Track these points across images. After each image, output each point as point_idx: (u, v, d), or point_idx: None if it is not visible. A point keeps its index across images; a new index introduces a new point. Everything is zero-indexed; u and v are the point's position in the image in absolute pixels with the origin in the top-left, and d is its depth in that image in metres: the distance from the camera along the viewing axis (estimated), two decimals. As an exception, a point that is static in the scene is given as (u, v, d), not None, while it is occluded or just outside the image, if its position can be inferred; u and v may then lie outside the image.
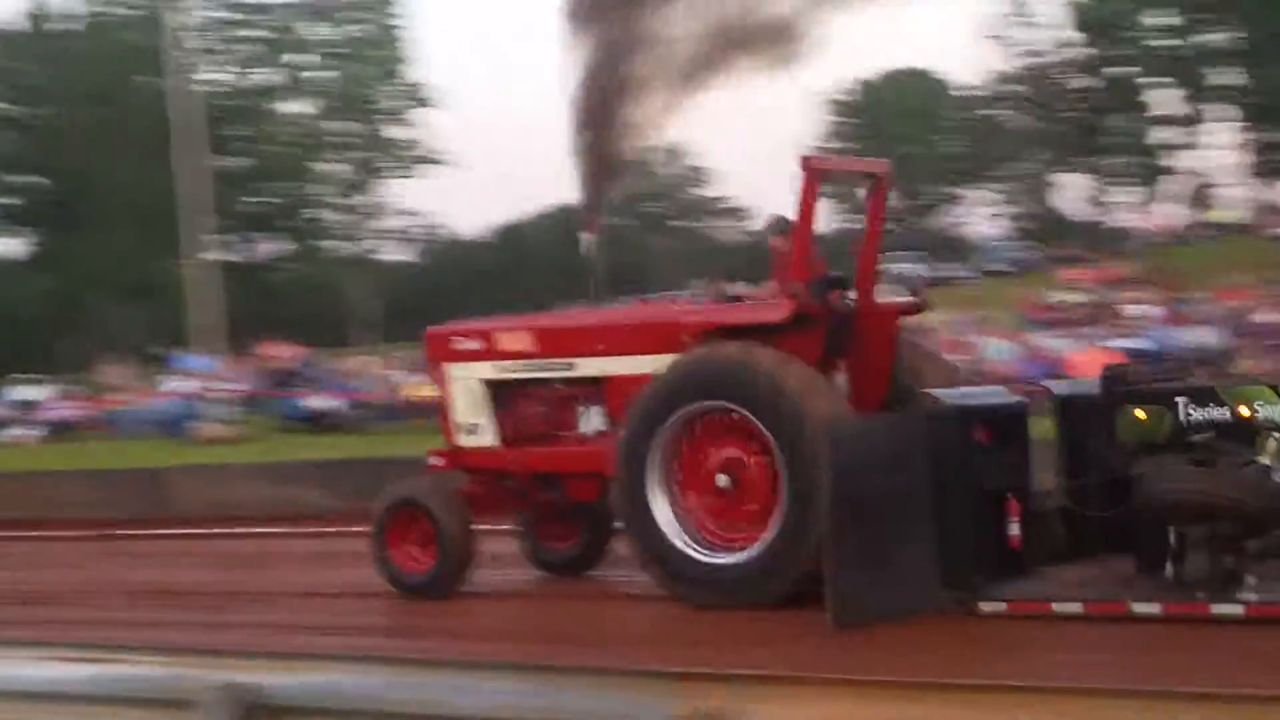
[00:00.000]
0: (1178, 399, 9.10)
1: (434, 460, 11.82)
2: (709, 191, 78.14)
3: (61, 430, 27.51)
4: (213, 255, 36.35)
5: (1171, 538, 8.75)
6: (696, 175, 78.64)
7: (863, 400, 10.34)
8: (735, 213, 75.22)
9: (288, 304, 65.04)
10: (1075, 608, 8.74)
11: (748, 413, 9.88)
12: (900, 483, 9.07)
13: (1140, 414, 9.19)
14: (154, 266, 66.26)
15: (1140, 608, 8.56)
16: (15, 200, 72.93)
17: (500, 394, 11.62)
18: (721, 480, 10.16)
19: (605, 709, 4.66)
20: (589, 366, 11.12)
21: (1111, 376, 9.62)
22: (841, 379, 10.54)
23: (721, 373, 10.00)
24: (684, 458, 10.31)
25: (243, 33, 68.75)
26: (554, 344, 11.33)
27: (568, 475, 11.13)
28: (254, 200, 68.55)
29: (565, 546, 11.83)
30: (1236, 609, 8.35)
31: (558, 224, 67.74)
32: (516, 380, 11.55)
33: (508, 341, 11.55)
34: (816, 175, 10.26)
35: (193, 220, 30.04)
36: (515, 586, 11.31)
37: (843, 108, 74.17)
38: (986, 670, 7.20)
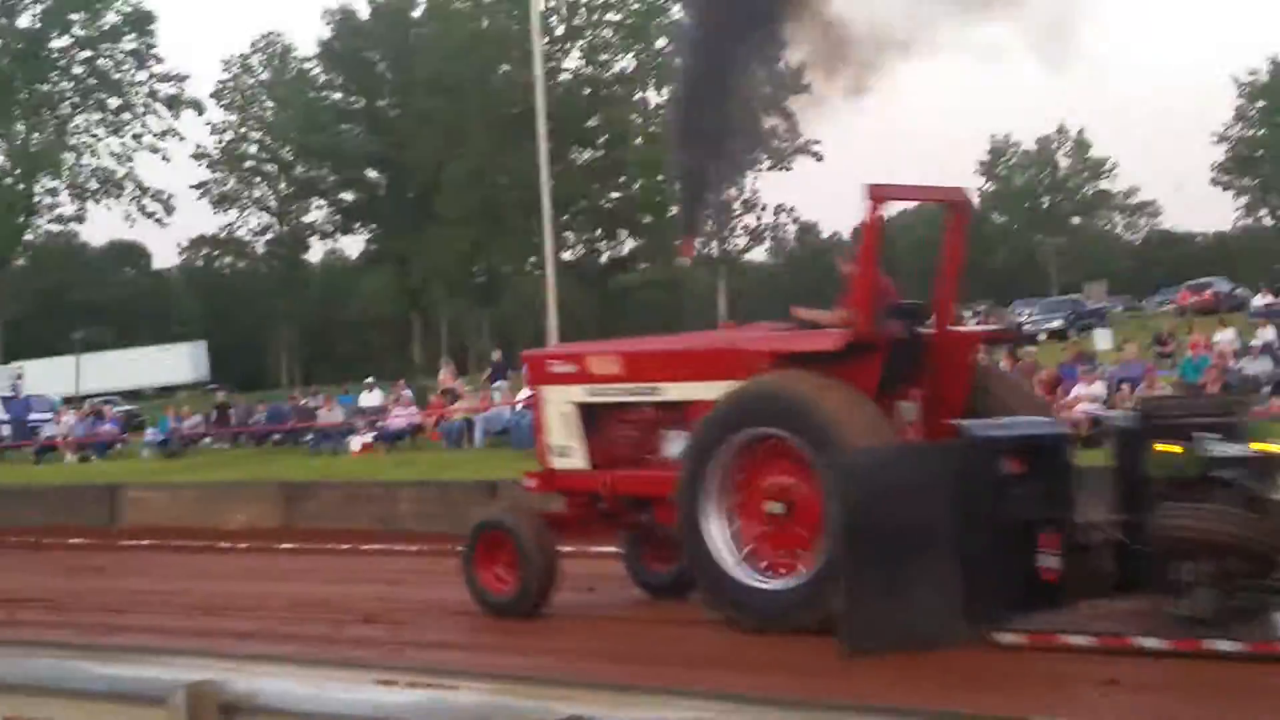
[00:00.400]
0: (1200, 435, 9.69)
1: (528, 482, 12.96)
2: (1113, 185, 75.58)
3: (396, 438, 28.82)
4: (566, 254, 37.34)
5: (1182, 573, 9.37)
6: (1098, 168, 76.29)
7: (935, 428, 10.99)
8: (1142, 208, 72.55)
9: (639, 307, 65.95)
10: (1086, 640, 9.36)
11: (793, 440, 10.70)
12: (920, 513, 9.70)
13: (1170, 448, 9.72)
14: (497, 266, 67.79)
15: (1146, 642, 9.19)
16: (354, 196, 76.98)
17: (591, 417, 12.64)
18: (773, 507, 10.92)
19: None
20: (672, 391, 12.04)
21: (1146, 409, 10.40)
22: (909, 406, 11.34)
23: (769, 400, 10.88)
24: (739, 483, 11.16)
25: (604, 16, 69.44)
26: (640, 369, 12.34)
27: (654, 499, 11.85)
28: (609, 195, 69.25)
29: (666, 569, 12.63)
30: (1235, 645, 8.93)
31: (922, 221, 66.71)
32: (606, 404, 12.56)
33: (598, 365, 12.61)
34: (881, 202, 11.01)
35: (548, 218, 30.91)
36: (604, 609, 12.26)
37: (1254, 90, 70.98)
38: (977, 700, 8.00)
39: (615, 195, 67.93)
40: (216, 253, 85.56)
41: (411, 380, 40.89)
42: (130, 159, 72.84)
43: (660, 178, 65.49)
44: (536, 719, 5.15)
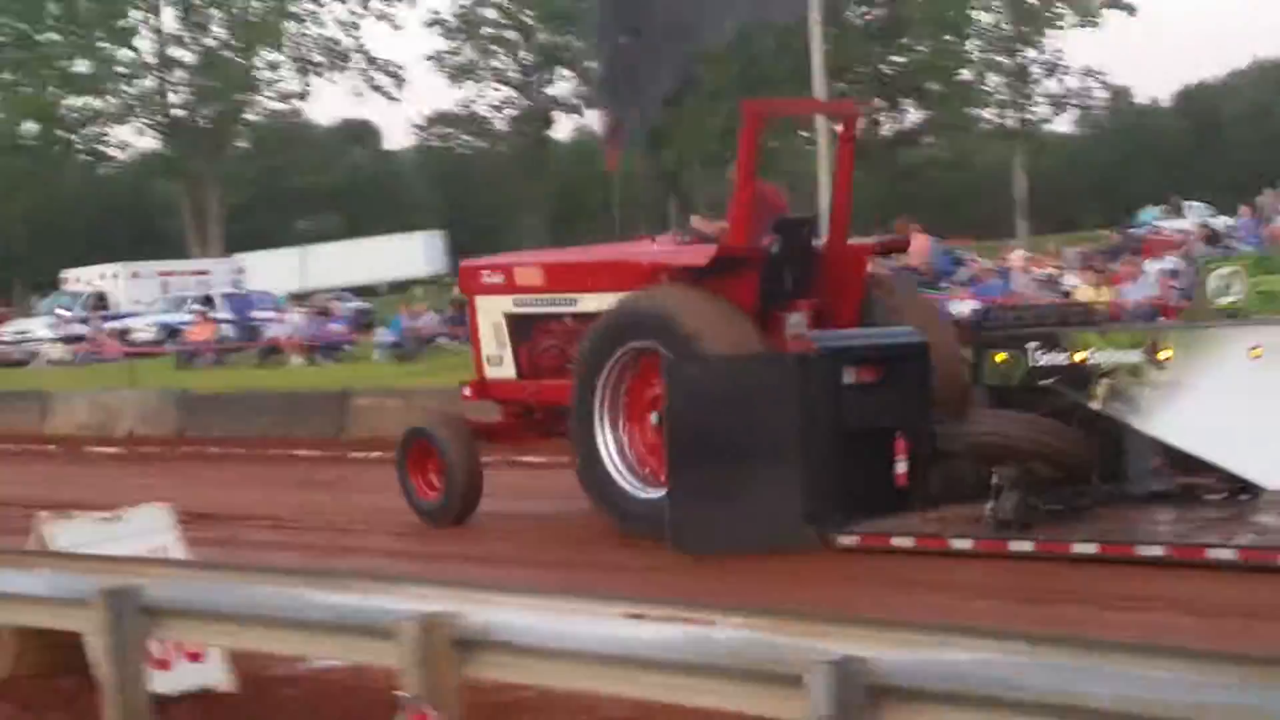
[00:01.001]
0: (1029, 344, 11.42)
1: (464, 390, 14.97)
2: None
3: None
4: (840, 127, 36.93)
5: (994, 478, 11.03)
6: None
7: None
8: None
9: (928, 186, 65.08)
10: (908, 542, 11.14)
11: (666, 353, 12.27)
12: (757, 420, 11.46)
13: (1000, 357, 11.53)
14: (763, 143, 67.85)
15: (957, 544, 10.94)
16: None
17: (518, 327, 14.47)
18: (654, 417, 12.51)
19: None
20: (589, 302, 13.64)
21: (979, 320, 12.16)
22: (797, 318, 12.87)
23: (643, 314, 12.72)
24: (626, 394, 13.03)
25: None
26: (558, 280, 14.16)
27: None
28: (890, 59, 68.13)
29: None
30: (1028, 546, 10.64)
31: (1255, 86, 64.07)
32: (531, 314, 14.39)
33: (522, 276, 14.43)
34: (756, 120, 13.06)
35: (820, 86, 30.59)
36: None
37: None
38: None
39: (898, 60, 66.97)
40: (453, 131, 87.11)
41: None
42: (357, 27, 74.40)
43: (948, 38, 64.32)
44: (799, 659, 5.20)
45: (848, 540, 11.36)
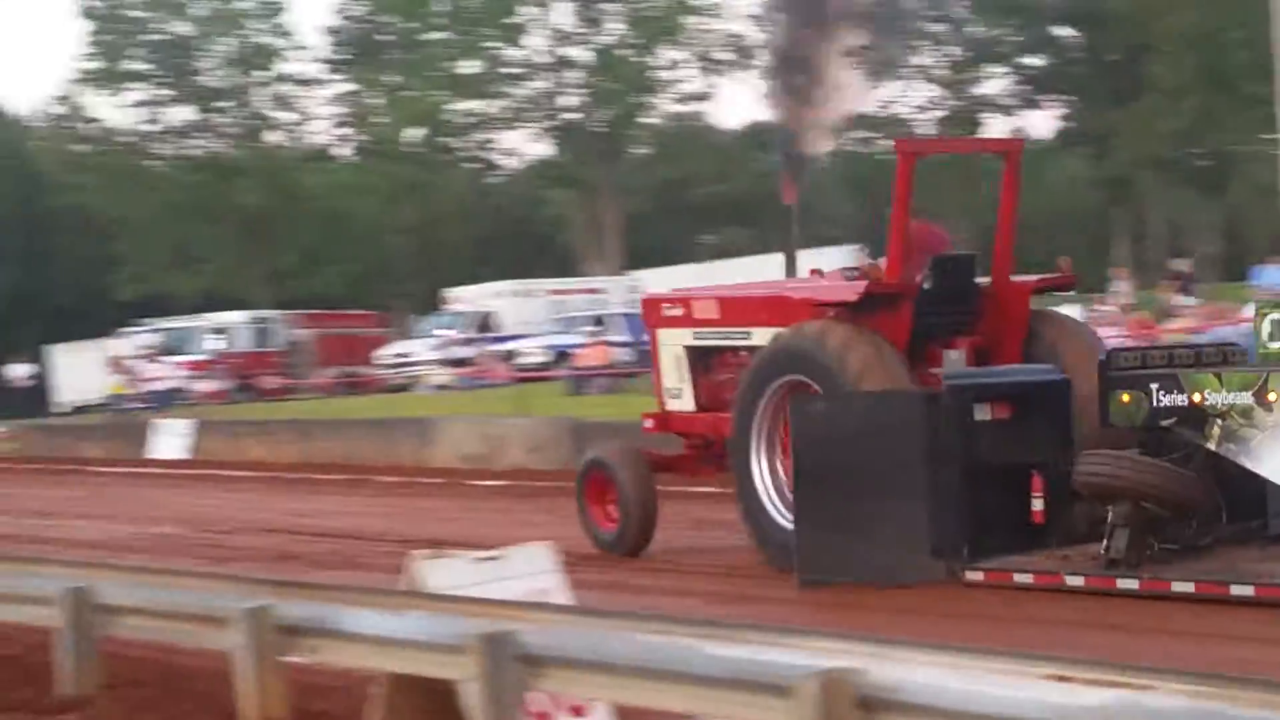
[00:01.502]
0: (1152, 385, 12.69)
1: (646, 423, 16.89)
2: None
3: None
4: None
5: (1107, 517, 12.48)
6: None
7: None
8: None
9: None
10: (1028, 579, 12.55)
11: (820, 389, 14.03)
12: (885, 455, 12.97)
13: (1125, 398, 12.82)
14: (1225, 146, 65.40)
15: (1070, 580, 12.37)
16: (1042, 60, 76.05)
17: (697, 360, 16.36)
18: None
19: None
20: (760, 336, 15.22)
21: (1105, 361, 13.37)
22: (956, 355, 14.59)
23: (793, 349, 14.44)
24: (783, 427, 14.35)
25: None
26: (732, 314, 15.96)
27: None
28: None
29: None
30: (1132, 584, 12.05)
31: None
32: (709, 347, 16.25)
33: (700, 310, 16.27)
34: (910, 157, 14.85)
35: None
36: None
37: None
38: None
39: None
40: (872, 134, 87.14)
41: (1105, 288, 40.25)
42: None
43: None
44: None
45: (973, 575, 12.83)
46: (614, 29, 73.69)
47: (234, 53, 77.54)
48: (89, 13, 76.52)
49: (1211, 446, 12.42)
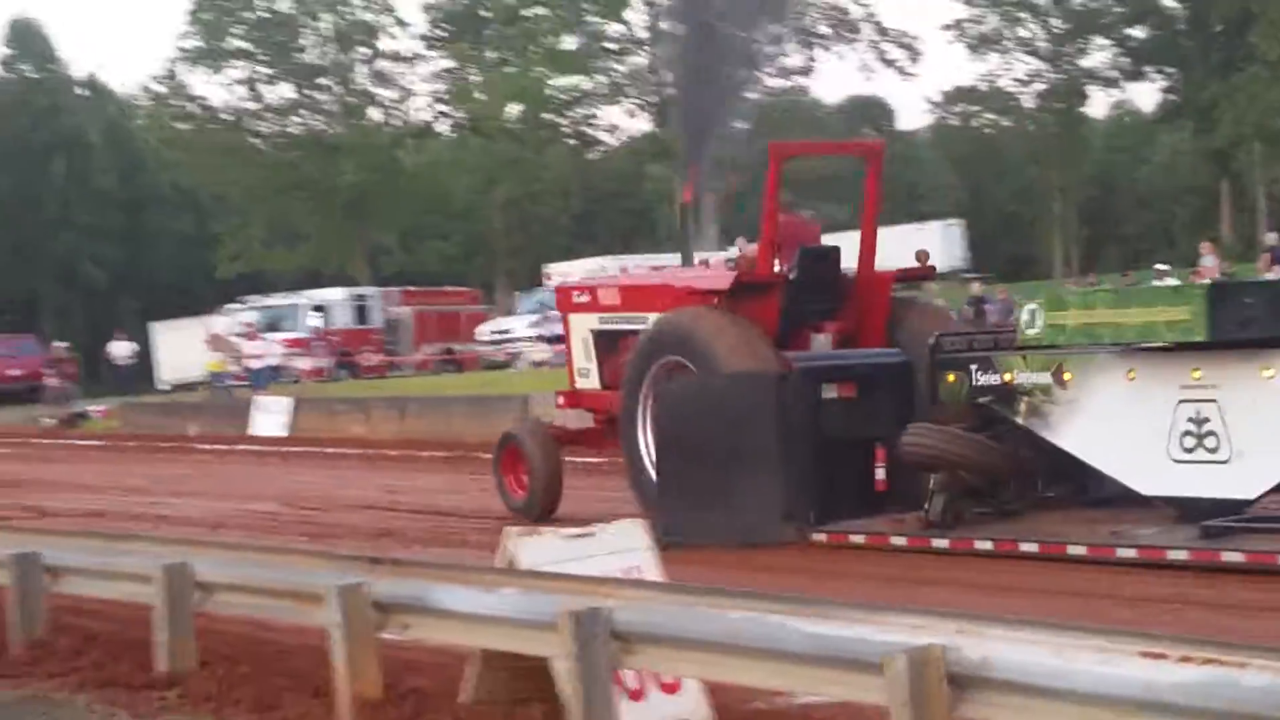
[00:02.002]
0: (972, 366, 14.40)
1: (558, 400, 18.95)
2: None
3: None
4: None
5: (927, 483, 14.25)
6: None
7: None
8: None
9: None
10: (861, 539, 14.37)
11: (694, 368, 15.62)
12: (742, 431, 14.56)
13: (951, 377, 14.51)
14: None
15: (895, 540, 14.17)
16: (1145, 32, 75.20)
17: (602, 343, 18.02)
18: None
19: None
20: (650, 320, 16.82)
21: (934, 343, 14.88)
22: (823, 338, 16.40)
23: (676, 333, 16.04)
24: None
25: None
26: (631, 300, 17.71)
27: None
28: None
29: None
30: (944, 543, 13.80)
31: None
32: (612, 331, 17.86)
33: (604, 297, 18.04)
34: (778, 160, 16.23)
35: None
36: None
37: None
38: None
39: None
40: (974, 109, 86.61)
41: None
42: (868, -6, 74.71)
43: None
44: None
45: (819, 537, 14.58)
46: (715, 3, 73.47)
47: (334, 30, 77.98)
48: (190, -10, 77.19)
49: (1020, 421, 14.26)
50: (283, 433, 34.68)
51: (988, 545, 13.60)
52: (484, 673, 8.57)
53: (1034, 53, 79.27)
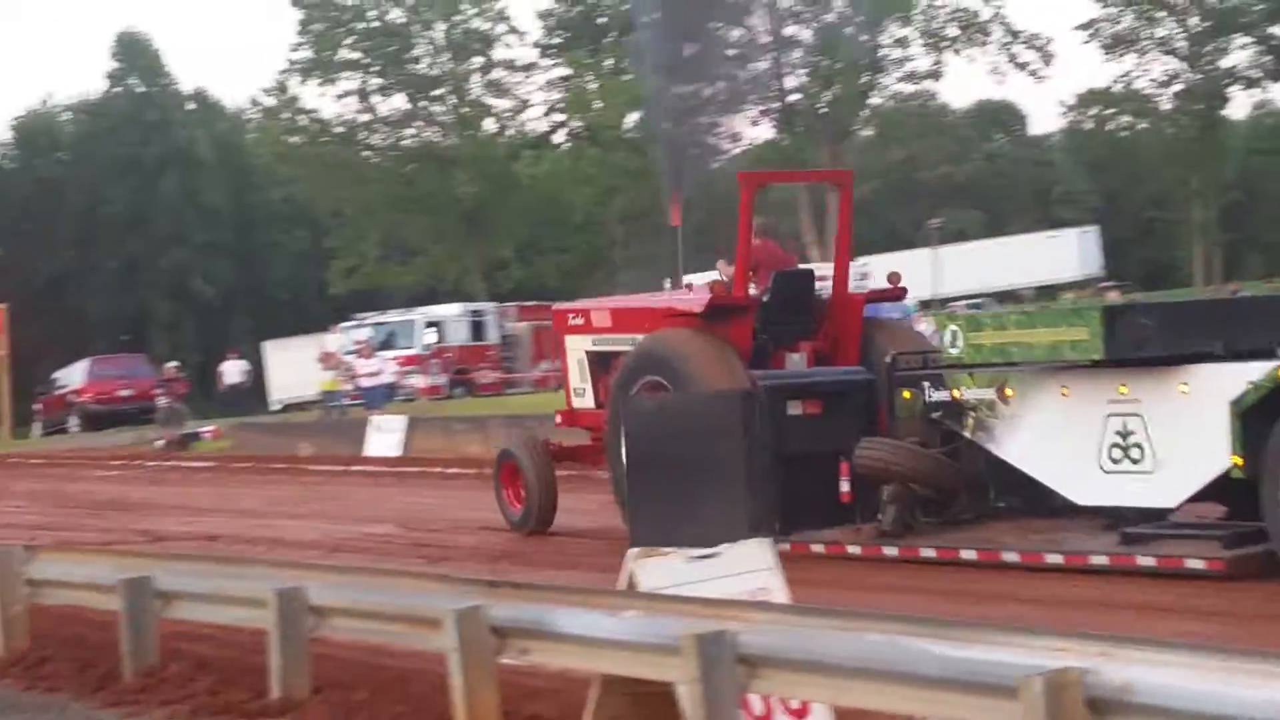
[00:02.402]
0: (924, 383, 15.87)
1: (557, 418, 20.41)
2: None
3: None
4: None
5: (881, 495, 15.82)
6: None
7: None
8: None
9: None
10: (821, 549, 15.87)
11: (671, 387, 16.91)
12: (707, 446, 15.00)
13: (906, 394, 15.96)
14: None
15: (850, 549, 15.74)
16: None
17: (596, 363, 19.36)
18: None
19: None
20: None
21: (891, 361, 16.54)
22: (797, 357, 17.77)
23: (655, 354, 17.45)
24: None
25: None
26: (622, 322, 19.10)
27: None
28: None
29: None
30: (893, 551, 15.45)
31: None
32: (605, 352, 19.18)
33: (597, 319, 19.46)
34: (751, 187, 18.21)
35: None
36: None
37: None
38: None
39: None
40: (1110, 111, 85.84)
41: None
42: (998, -6, 74.23)
43: None
44: None
45: (783, 546, 14.34)
46: (840, 7, 73.35)
47: (447, 39, 78.52)
48: (300, 1, 77.93)
49: (968, 435, 15.68)
50: (397, 452, 34.87)
51: (931, 553, 15.19)
52: (604, 698, 8.57)
53: (1172, 52, 78.47)
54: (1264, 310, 15.80)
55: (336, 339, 50.74)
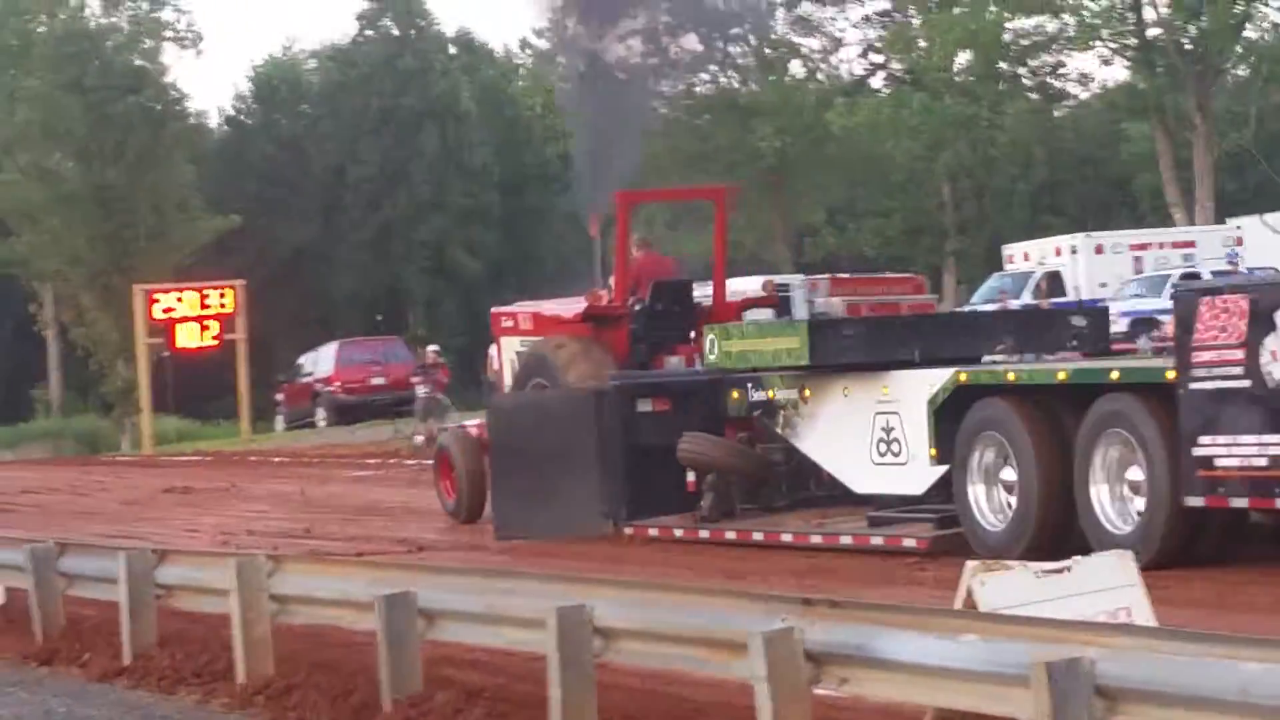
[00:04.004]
0: (748, 384, 20.57)
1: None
2: None
3: None
4: None
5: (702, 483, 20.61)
6: None
7: None
8: None
9: None
10: (655, 532, 20.57)
11: (550, 387, 22.59)
12: (563, 439, 20.81)
13: (735, 394, 20.70)
14: None
15: (677, 532, 20.52)
16: None
17: None
18: None
19: None
20: None
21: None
22: (676, 360, 23.05)
23: (539, 357, 23.26)
24: None
25: None
26: (539, 326, 24.49)
27: None
28: None
29: None
30: (705, 534, 20.34)
31: None
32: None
33: (523, 322, 25.00)
34: (626, 206, 24.71)
35: None
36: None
37: None
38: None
39: None
40: None
41: None
42: None
43: None
44: None
45: (629, 530, 20.81)
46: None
47: (744, -32, 78.58)
48: (577, -71, 78.53)
49: (780, 431, 20.34)
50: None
51: (732, 535, 20.08)
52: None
53: None
54: (960, 323, 22.57)
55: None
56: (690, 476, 20.53)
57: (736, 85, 79.06)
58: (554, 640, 10.48)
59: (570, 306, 24.28)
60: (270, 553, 14.97)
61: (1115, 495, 16.59)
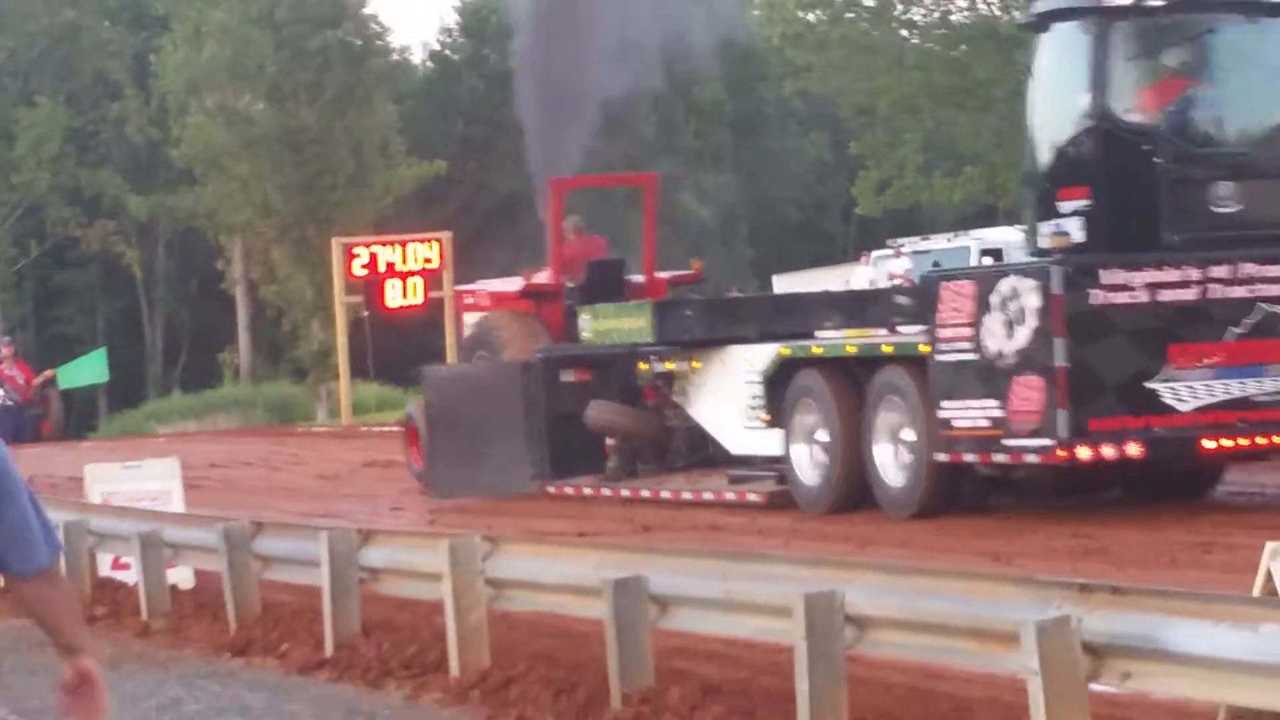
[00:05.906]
0: (652, 357, 25.25)
1: None
2: None
3: None
4: None
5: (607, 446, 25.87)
6: None
7: None
8: None
9: None
10: (571, 490, 25.87)
11: (489, 358, 28.24)
12: (494, 407, 25.94)
13: (643, 365, 25.33)
14: None
15: (586, 491, 25.76)
16: None
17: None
18: None
19: None
20: None
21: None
22: None
23: (482, 331, 28.97)
24: None
25: None
26: (495, 302, 29.39)
27: None
28: None
29: None
30: (608, 492, 25.42)
31: None
32: None
33: (479, 300, 30.10)
34: (560, 191, 29.72)
35: None
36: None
37: None
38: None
39: None
40: None
41: None
42: None
43: None
44: None
45: (553, 489, 25.74)
46: None
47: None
48: None
49: (675, 398, 24.94)
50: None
51: (627, 494, 24.67)
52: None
53: None
54: (795, 303, 26.71)
55: (867, 271, 50.94)
56: (609, 442, 25.31)
57: (997, 13, 78.37)
58: (800, 630, 10.46)
59: (516, 285, 29.19)
60: (486, 534, 14.96)
61: (894, 454, 21.04)
